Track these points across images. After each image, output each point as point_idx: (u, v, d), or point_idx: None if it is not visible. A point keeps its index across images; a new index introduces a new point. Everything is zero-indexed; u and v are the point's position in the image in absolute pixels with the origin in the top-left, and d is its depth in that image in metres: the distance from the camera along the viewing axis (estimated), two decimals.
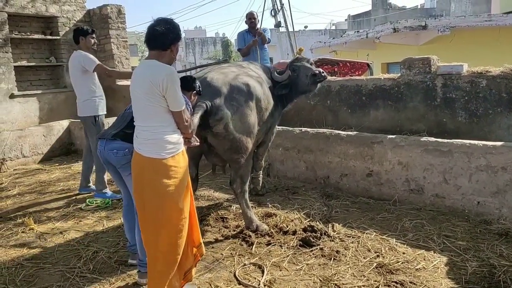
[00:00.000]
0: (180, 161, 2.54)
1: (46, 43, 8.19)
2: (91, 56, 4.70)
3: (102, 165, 3.52)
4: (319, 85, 4.22)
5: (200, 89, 3.20)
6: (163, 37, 2.47)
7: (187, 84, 3.10)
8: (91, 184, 5.08)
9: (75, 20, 8.34)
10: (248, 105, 3.62)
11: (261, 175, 4.61)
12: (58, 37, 8.07)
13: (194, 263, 2.85)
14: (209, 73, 3.69)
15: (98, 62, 4.71)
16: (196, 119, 3.08)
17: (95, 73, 4.75)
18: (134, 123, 2.63)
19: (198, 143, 2.94)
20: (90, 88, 4.73)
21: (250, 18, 6.48)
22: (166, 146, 2.48)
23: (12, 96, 7.37)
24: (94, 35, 4.81)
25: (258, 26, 6.60)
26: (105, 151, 2.96)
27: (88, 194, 4.99)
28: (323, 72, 4.08)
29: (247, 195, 3.74)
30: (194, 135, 2.89)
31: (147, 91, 2.43)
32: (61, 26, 8.12)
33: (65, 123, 7.45)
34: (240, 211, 4.14)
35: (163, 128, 2.49)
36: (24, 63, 7.74)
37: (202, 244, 2.91)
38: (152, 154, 2.47)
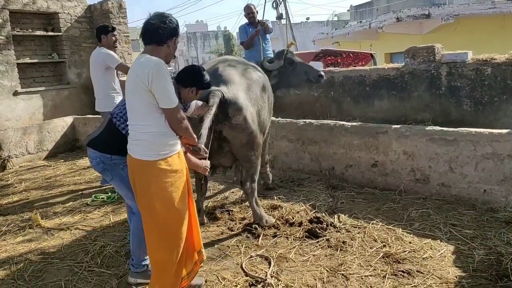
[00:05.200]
0: (174, 164, 2.34)
1: (48, 39, 8.18)
2: (114, 54, 4.91)
3: None
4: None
5: (207, 82, 2.68)
6: (158, 31, 2.31)
7: (182, 77, 2.62)
8: None
9: (76, 16, 8.32)
10: (263, 98, 3.49)
11: (268, 169, 4.60)
12: (60, 33, 8.06)
13: (194, 271, 2.65)
14: (218, 65, 3.53)
15: (120, 61, 4.94)
16: (213, 109, 2.84)
17: (115, 70, 4.97)
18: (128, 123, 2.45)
19: (207, 155, 2.67)
20: (110, 85, 4.96)
21: (249, 13, 6.39)
22: (154, 147, 2.29)
23: (15, 94, 7.38)
24: (115, 33, 4.97)
25: (260, 18, 6.55)
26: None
27: (107, 187, 5.05)
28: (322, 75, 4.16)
29: (256, 193, 3.65)
30: (202, 146, 2.60)
31: (133, 86, 2.27)
32: (63, 22, 8.10)
33: (69, 120, 7.47)
34: (246, 204, 4.15)
35: (151, 128, 2.28)
36: (26, 60, 7.73)
37: (203, 250, 2.72)
38: (140, 155, 2.31)
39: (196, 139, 2.58)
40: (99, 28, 4.91)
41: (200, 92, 2.68)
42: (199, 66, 2.80)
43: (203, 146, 2.64)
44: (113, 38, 4.90)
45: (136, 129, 2.32)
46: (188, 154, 2.63)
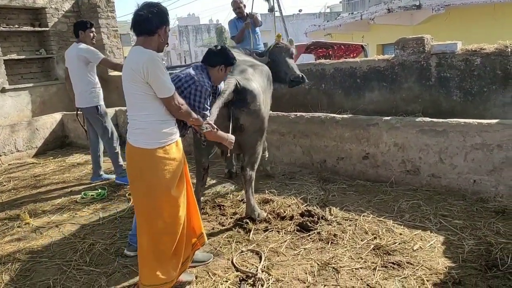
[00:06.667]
0: (172, 152, 2.44)
1: (35, 35, 8.05)
2: (95, 50, 4.78)
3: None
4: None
5: (233, 57, 2.84)
6: (148, 21, 2.34)
7: (209, 57, 2.73)
8: (102, 172, 5.19)
9: (63, 11, 8.19)
10: (269, 88, 3.75)
11: (267, 154, 4.73)
12: (47, 29, 7.93)
13: (192, 252, 2.79)
14: None
15: (102, 56, 4.80)
16: (227, 92, 2.98)
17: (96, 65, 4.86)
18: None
19: (215, 130, 2.71)
20: (92, 80, 4.85)
21: (236, 8, 6.32)
22: (155, 135, 2.39)
23: (3, 91, 7.27)
24: (93, 29, 4.86)
25: (250, 11, 6.48)
26: None
27: (101, 182, 5.07)
28: (303, 78, 4.23)
29: (253, 183, 3.64)
30: (210, 122, 2.69)
31: (131, 79, 2.35)
32: (50, 18, 7.97)
33: (58, 116, 7.37)
34: (237, 198, 4.14)
35: (151, 117, 2.38)
36: (14, 56, 7.62)
37: (204, 234, 2.85)
38: (140, 143, 2.40)
39: (201, 119, 2.64)
40: (77, 24, 4.81)
41: (228, 69, 2.79)
42: (223, 45, 2.93)
43: (211, 123, 2.71)
44: (91, 34, 4.79)
45: (137, 118, 2.41)
46: (219, 131, 2.75)
